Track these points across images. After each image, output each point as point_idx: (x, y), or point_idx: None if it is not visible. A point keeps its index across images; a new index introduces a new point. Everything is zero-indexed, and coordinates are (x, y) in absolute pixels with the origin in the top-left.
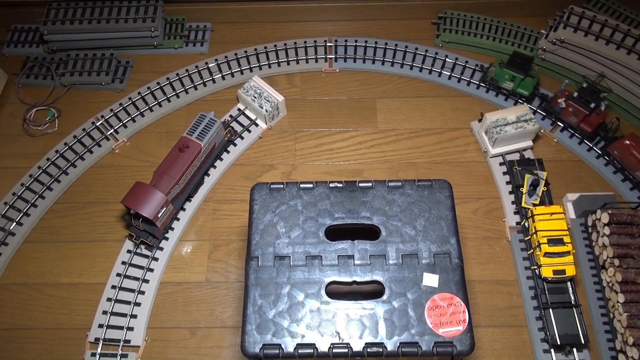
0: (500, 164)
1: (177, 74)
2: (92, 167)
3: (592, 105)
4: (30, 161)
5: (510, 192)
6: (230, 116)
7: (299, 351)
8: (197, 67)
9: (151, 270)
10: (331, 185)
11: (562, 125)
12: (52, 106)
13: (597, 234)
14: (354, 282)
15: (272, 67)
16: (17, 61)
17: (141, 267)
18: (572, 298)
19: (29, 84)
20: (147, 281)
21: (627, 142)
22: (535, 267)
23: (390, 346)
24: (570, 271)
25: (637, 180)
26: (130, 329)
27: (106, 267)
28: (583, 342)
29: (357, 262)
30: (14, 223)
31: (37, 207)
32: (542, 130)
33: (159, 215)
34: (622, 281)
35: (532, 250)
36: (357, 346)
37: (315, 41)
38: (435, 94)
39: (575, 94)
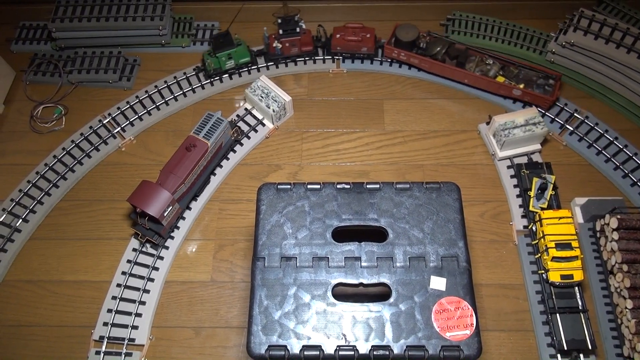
0: (508, 167)
1: (185, 73)
2: (99, 165)
3: (297, 29)
4: (36, 158)
5: (518, 196)
6: (237, 116)
7: (305, 353)
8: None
9: (156, 269)
10: (338, 186)
11: (284, 62)
12: (60, 103)
13: (606, 239)
14: (361, 284)
15: (279, 67)
16: (25, 58)
17: (146, 266)
18: (580, 303)
19: (37, 81)
20: (152, 280)
21: (338, 35)
22: (543, 271)
23: (396, 349)
24: (578, 276)
25: (363, 54)
26: (134, 327)
27: (111, 265)
28: (590, 347)
29: (364, 264)
30: (20, 220)
31: (43, 204)
32: (550, 134)
33: (165, 214)
34: (630, 287)
35: (539, 255)
36: (364, 349)
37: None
38: (443, 95)
39: (280, 31)
